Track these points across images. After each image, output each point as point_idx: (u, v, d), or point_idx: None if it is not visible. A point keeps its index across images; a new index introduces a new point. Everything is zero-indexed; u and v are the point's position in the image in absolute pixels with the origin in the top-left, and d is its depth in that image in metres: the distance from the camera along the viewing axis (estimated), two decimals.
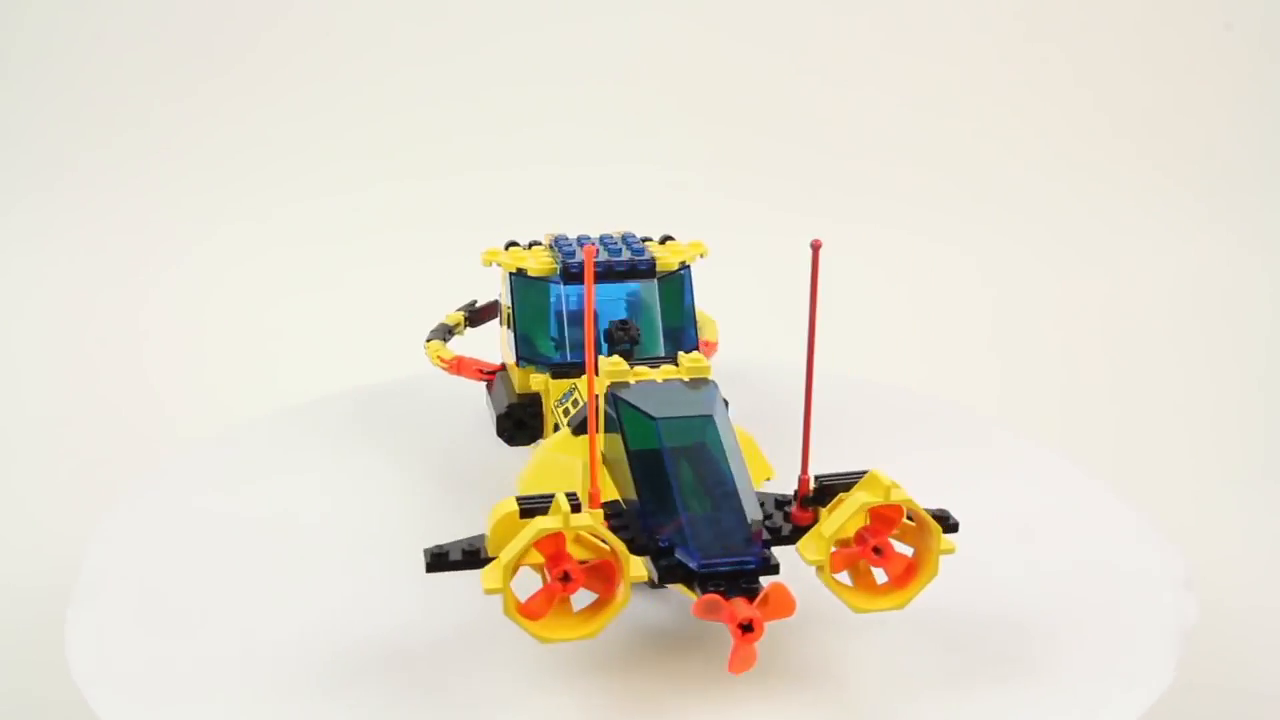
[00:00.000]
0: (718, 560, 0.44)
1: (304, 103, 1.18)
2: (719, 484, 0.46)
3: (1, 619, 0.75)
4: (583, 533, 0.42)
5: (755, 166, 1.20)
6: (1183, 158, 1.20)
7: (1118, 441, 0.94)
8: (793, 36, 1.22)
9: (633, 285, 0.59)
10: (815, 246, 0.44)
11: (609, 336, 0.56)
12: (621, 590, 0.43)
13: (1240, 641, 0.70)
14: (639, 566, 0.44)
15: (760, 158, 1.20)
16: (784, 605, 0.42)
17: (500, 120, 1.20)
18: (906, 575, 0.45)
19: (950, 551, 0.45)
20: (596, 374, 0.48)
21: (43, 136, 1.16)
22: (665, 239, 0.62)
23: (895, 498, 0.44)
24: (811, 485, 0.47)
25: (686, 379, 0.51)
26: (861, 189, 1.19)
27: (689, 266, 0.60)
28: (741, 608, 0.42)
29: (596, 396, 0.47)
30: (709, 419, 0.48)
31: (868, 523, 0.44)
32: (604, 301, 0.59)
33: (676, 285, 0.60)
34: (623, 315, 0.59)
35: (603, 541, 0.43)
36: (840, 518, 0.44)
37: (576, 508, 0.43)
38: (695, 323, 0.60)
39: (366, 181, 1.16)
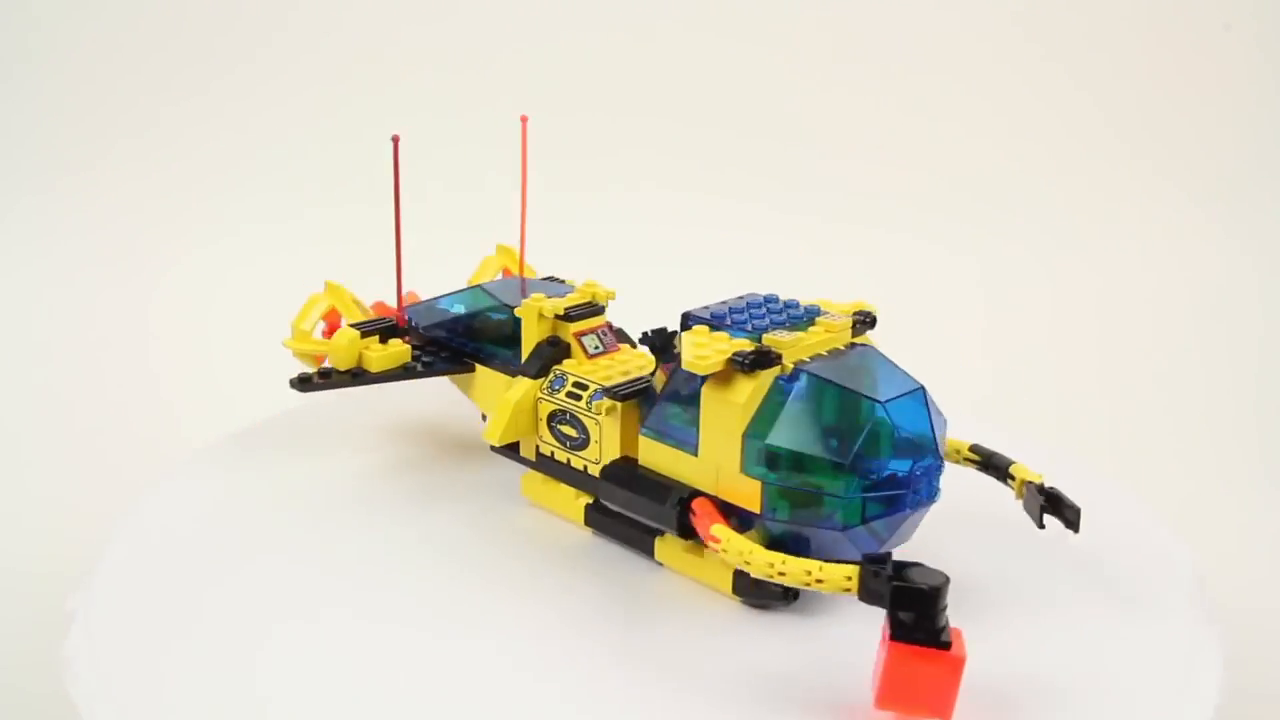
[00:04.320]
0: None
1: (312, 104, 1.19)
2: None
3: (11, 620, 0.76)
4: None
5: (753, 169, 1.20)
6: (1181, 159, 1.21)
7: (1115, 442, 0.94)
8: (789, 38, 1.22)
9: None
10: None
11: (644, 336, 0.57)
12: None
13: (1248, 644, 0.70)
14: None
15: (758, 160, 1.20)
16: None
17: (505, 124, 1.20)
18: None
19: None
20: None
21: (48, 139, 1.16)
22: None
23: None
24: None
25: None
26: (860, 191, 1.19)
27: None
28: None
29: None
30: None
31: None
32: None
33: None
34: None
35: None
36: None
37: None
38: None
39: (374, 182, 1.16)
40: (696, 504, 0.51)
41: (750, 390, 0.50)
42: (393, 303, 0.71)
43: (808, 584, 0.46)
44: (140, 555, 0.57)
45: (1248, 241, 1.18)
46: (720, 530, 0.49)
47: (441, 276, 0.74)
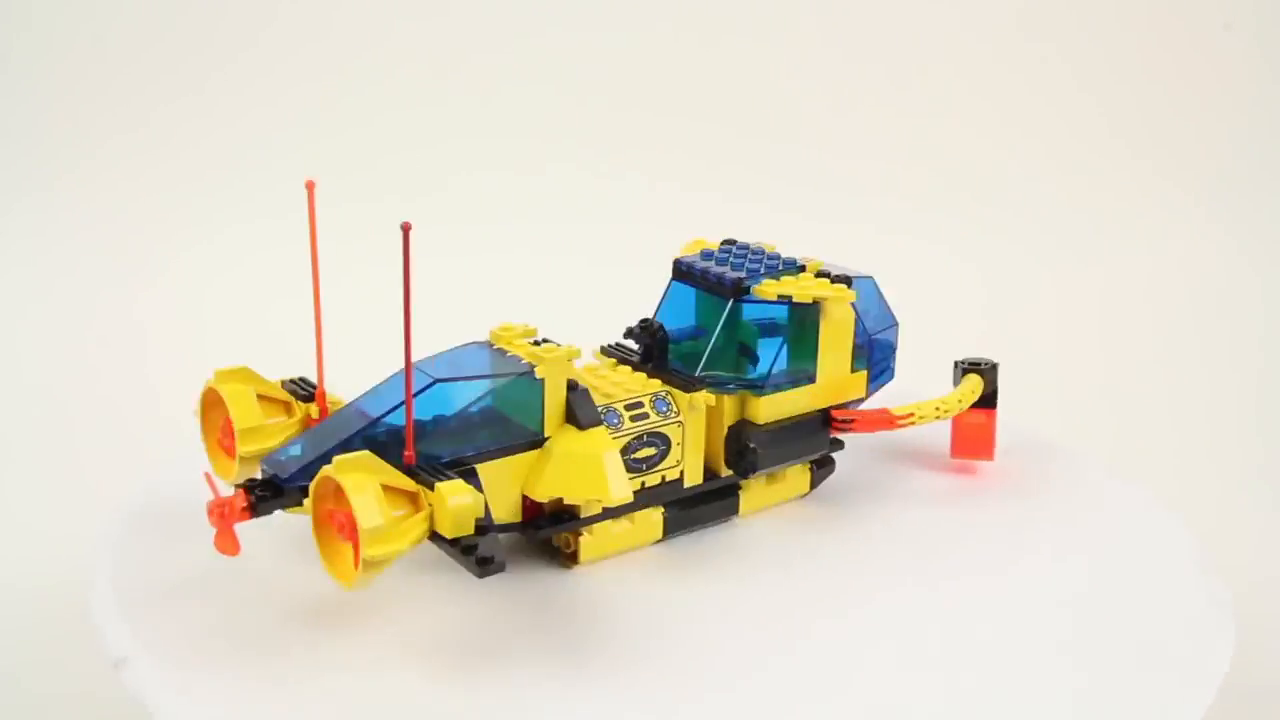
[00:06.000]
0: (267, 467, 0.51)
1: (307, 100, 1.18)
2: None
3: (8, 623, 0.76)
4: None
5: (754, 168, 1.20)
6: (1181, 158, 1.21)
7: (1116, 442, 0.94)
8: (788, 34, 1.22)
9: (718, 300, 0.59)
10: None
11: (629, 331, 0.59)
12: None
13: (1251, 643, 0.70)
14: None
15: (759, 160, 1.20)
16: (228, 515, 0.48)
17: (506, 123, 1.20)
18: None
19: None
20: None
21: (43, 136, 1.16)
22: (823, 273, 0.60)
23: None
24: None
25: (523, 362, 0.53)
26: (859, 190, 1.19)
27: (807, 305, 0.58)
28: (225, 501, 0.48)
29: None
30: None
31: None
32: (690, 307, 0.61)
33: (803, 318, 0.59)
34: (698, 322, 0.61)
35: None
36: None
37: None
38: (814, 360, 0.59)
39: (369, 180, 1.16)
40: (845, 414, 0.61)
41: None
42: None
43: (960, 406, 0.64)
44: (140, 549, 0.57)
45: (1248, 240, 1.18)
46: (902, 409, 0.62)
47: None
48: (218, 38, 1.18)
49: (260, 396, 0.56)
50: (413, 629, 0.52)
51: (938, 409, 0.63)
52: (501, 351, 0.54)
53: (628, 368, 0.59)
